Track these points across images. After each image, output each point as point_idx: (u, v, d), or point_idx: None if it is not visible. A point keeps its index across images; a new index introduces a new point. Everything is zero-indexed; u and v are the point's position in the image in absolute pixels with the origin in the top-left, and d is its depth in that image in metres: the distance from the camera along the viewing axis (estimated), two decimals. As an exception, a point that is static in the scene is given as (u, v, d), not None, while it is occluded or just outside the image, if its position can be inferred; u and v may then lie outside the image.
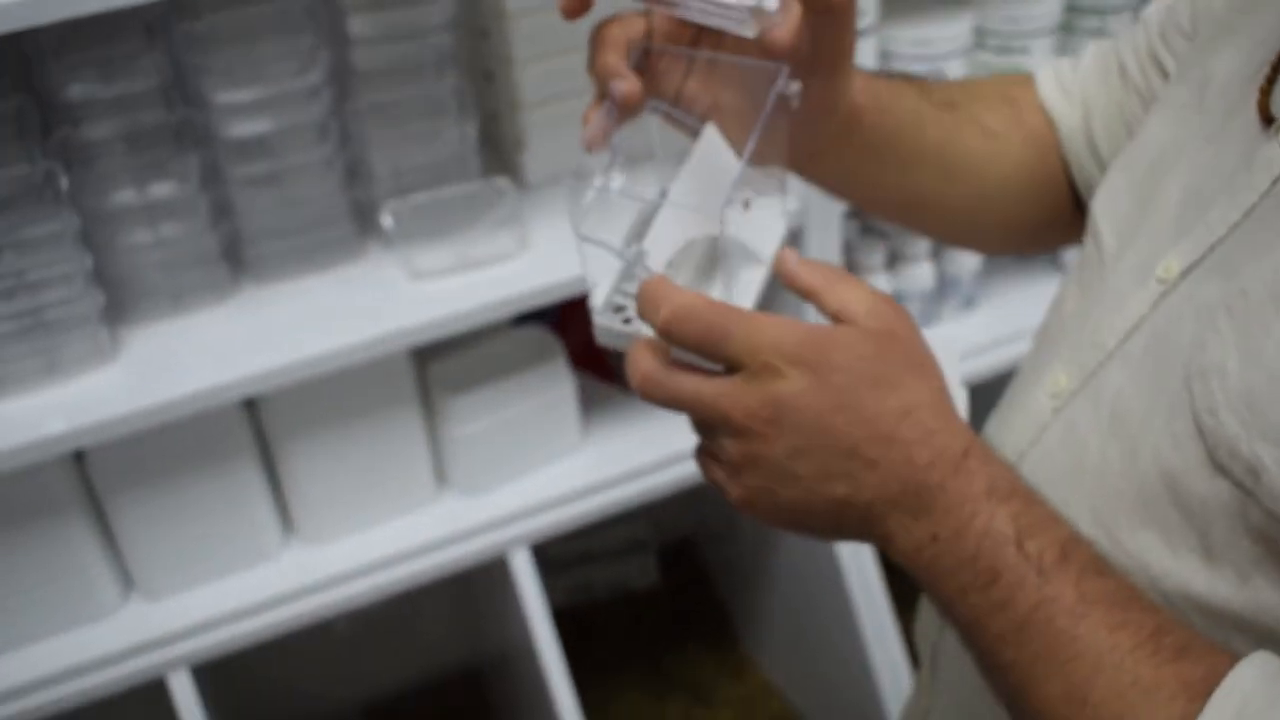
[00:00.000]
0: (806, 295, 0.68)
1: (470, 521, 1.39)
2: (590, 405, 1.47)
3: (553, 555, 1.89)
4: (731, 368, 0.64)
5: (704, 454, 0.69)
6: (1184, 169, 0.74)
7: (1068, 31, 1.53)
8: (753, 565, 1.84)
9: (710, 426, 0.66)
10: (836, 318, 0.67)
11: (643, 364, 0.67)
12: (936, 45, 1.42)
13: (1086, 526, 0.72)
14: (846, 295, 0.67)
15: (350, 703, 1.91)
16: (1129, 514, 0.69)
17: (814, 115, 0.76)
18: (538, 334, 1.42)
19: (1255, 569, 0.62)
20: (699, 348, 0.64)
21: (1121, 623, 0.59)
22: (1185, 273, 0.69)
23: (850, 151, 0.82)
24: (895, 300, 0.68)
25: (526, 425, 1.39)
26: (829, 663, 1.68)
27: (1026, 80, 0.92)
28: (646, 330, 0.67)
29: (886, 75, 0.86)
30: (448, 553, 1.38)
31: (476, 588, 1.67)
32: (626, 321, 0.71)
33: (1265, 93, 0.68)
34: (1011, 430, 0.80)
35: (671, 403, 0.66)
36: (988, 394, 0.91)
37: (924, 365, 0.66)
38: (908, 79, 0.87)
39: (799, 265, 0.72)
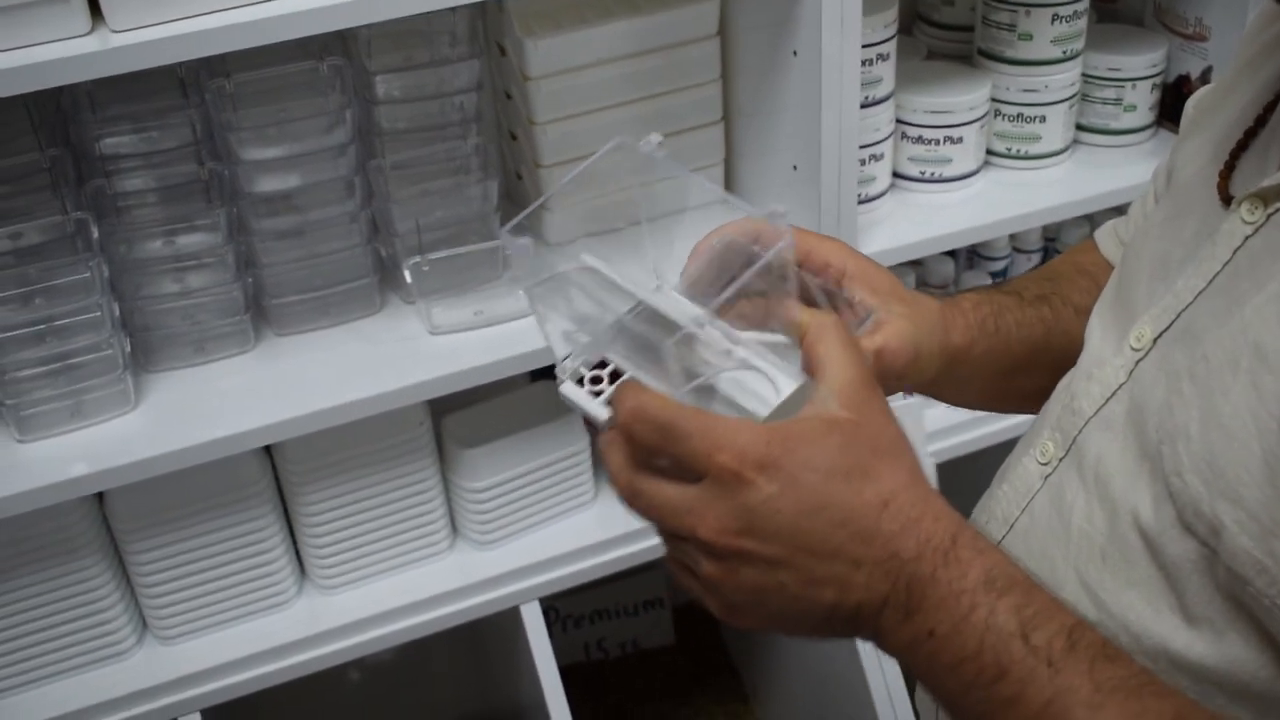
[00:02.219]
0: (802, 325, 0.66)
1: (482, 574, 1.40)
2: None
3: (567, 611, 1.90)
4: (697, 475, 0.61)
5: (677, 567, 0.66)
6: (1152, 245, 0.78)
7: (1086, 101, 1.55)
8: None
9: (679, 540, 0.63)
10: (809, 367, 0.65)
11: (610, 463, 0.64)
12: (954, 114, 1.44)
13: (1072, 589, 0.73)
14: (831, 354, 0.65)
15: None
16: (1113, 575, 0.70)
17: (898, 375, 0.78)
18: (552, 389, 1.43)
19: (1229, 626, 0.64)
20: (658, 450, 0.62)
21: (1139, 712, 0.58)
22: (1156, 339, 0.72)
23: (964, 377, 0.86)
24: (872, 379, 0.66)
25: (540, 480, 1.41)
26: (839, 726, 1.67)
27: (1090, 246, 0.97)
28: (598, 408, 0.65)
29: (988, 295, 0.89)
30: (459, 605, 1.39)
31: (488, 640, 1.68)
32: (597, 393, 0.67)
33: (1225, 176, 0.72)
34: (1003, 498, 0.82)
35: (636, 510, 0.64)
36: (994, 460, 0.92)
37: (896, 447, 0.64)
38: (1004, 290, 0.91)
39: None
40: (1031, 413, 0.91)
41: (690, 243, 0.74)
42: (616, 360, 0.68)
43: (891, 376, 0.77)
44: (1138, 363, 0.73)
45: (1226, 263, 0.68)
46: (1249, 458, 0.60)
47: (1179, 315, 0.70)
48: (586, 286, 0.72)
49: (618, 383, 0.66)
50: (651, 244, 0.75)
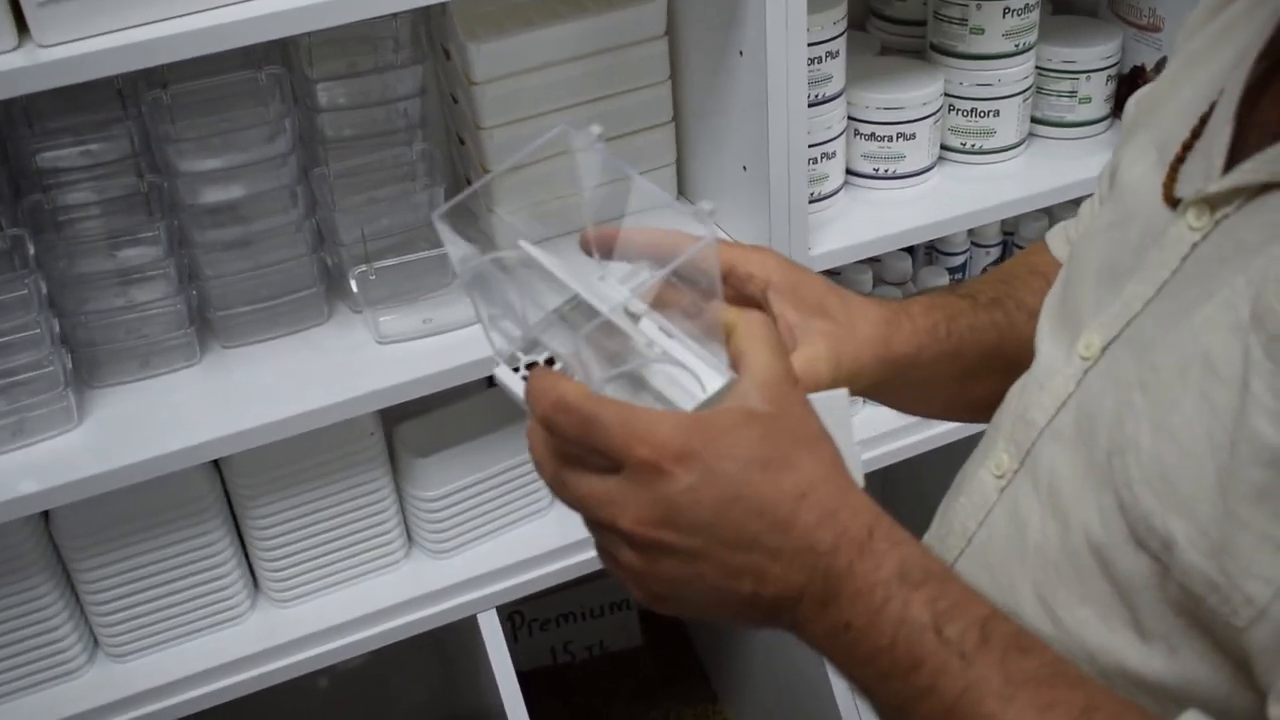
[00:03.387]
0: (727, 324, 0.66)
1: (438, 584, 1.39)
2: (561, 467, 1.47)
3: (532, 615, 1.90)
4: (617, 465, 0.61)
5: (605, 555, 0.66)
6: (1098, 251, 0.76)
7: (1040, 93, 1.54)
8: (731, 628, 1.84)
9: (603, 529, 0.64)
10: (733, 361, 0.65)
11: (536, 453, 0.65)
12: (907, 110, 1.43)
13: (1029, 604, 0.72)
14: (753, 348, 0.65)
15: (329, 762, 1.90)
16: (1067, 590, 0.69)
17: (840, 386, 0.77)
18: (504, 396, 1.42)
19: (1183, 642, 0.63)
20: (578, 441, 0.62)
21: (1051, 702, 0.58)
22: (1105, 349, 0.71)
23: (915, 384, 0.85)
24: (793, 374, 0.66)
25: (495, 487, 1.40)
26: (805, 726, 1.67)
27: (1042, 246, 0.96)
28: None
29: (941, 300, 0.88)
30: (415, 615, 1.38)
31: (450, 648, 1.67)
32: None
33: (1170, 178, 0.71)
34: (961, 511, 0.81)
35: (561, 499, 0.65)
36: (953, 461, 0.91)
37: (815, 438, 0.64)
38: (958, 294, 0.89)
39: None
40: (973, 422, 0.91)
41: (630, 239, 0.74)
42: (552, 348, 0.68)
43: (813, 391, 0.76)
44: (1086, 372, 0.72)
45: (1175, 270, 0.67)
46: (1199, 471, 0.59)
47: (1128, 324, 0.69)
48: (524, 275, 0.71)
49: (535, 370, 0.66)
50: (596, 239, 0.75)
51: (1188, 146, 0.71)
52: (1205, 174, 0.67)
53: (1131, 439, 0.64)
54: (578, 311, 0.69)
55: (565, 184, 0.74)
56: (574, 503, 0.64)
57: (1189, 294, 0.64)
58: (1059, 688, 0.59)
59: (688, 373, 0.66)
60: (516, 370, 0.69)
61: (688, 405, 0.65)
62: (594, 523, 0.64)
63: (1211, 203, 0.65)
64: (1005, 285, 0.93)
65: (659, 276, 0.67)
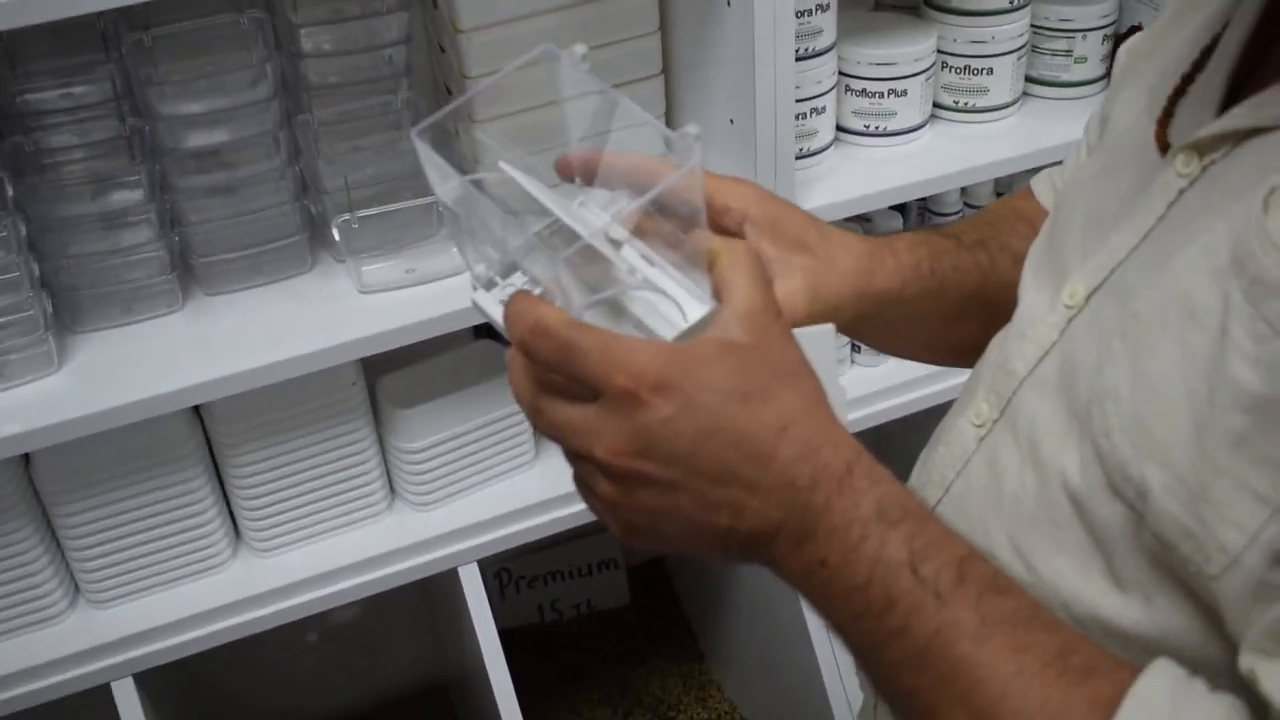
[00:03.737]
0: (711, 252, 0.65)
1: (420, 535, 1.39)
2: (545, 421, 1.46)
3: (520, 572, 1.90)
4: (595, 393, 0.61)
5: (582, 486, 0.65)
6: (1085, 199, 0.75)
7: (1035, 52, 1.53)
8: (718, 587, 1.84)
9: (580, 459, 0.63)
10: (715, 291, 0.64)
11: (514, 381, 0.64)
12: (898, 66, 1.41)
13: (1005, 553, 0.71)
14: (737, 279, 0.64)
15: (317, 718, 1.91)
16: (1043, 539, 0.69)
17: (818, 321, 0.75)
18: (490, 347, 1.42)
19: (1157, 591, 0.62)
20: (557, 368, 0.61)
21: (1026, 645, 0.57)
22: (1089, 297, 0.70)
23: (896, 321, 0.83)
24: (776, 305, 0.65)
25: (479, 440, 1.39)
26: (787, 688, 1.67)
27: (1028, 192, 0.94)
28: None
29: (925, 237, 0.86)
30: (396, 566, 1.38)
31: (436, 603, 1.67)
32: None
33: (1162, 124, 0.69)
34: (940, 460, 0.80)
35: (539, 428, 0.64)
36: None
37: (797, 372, 0.63)
38: (943, 233, 0.88)
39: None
40: (954, 366, 0.90)
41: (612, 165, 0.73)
42: (532, 273, 0.67)
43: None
44: (1070, 320, 0.70)
45: (1161, 217, 0.66)
46: (1177, 418, 0.58)
47: (1113, 271, 0.68)
48: (504, 198, 0.70)
49: (514, 294, 0.64)
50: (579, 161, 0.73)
51: (1180, 91, 0.70)
52: (1198, 118, 0.66)
53: (1111, 387, 0.63)
54: (558, 236, 0.68)
55: (548, 104, 0.73)
56: (551, 431, 0.63)
57: (1173, 241, 0.63)
58: (1035, 630, 0.58)
59: (669, 301, 0.65)
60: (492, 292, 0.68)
61: (668, 334, 0.64)
62: (571, 452, 0.63)
63: (1200, 149, 0.64)
64: (990, 228, 0.91)
65: (641, 202, 0.66)
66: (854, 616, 0.60)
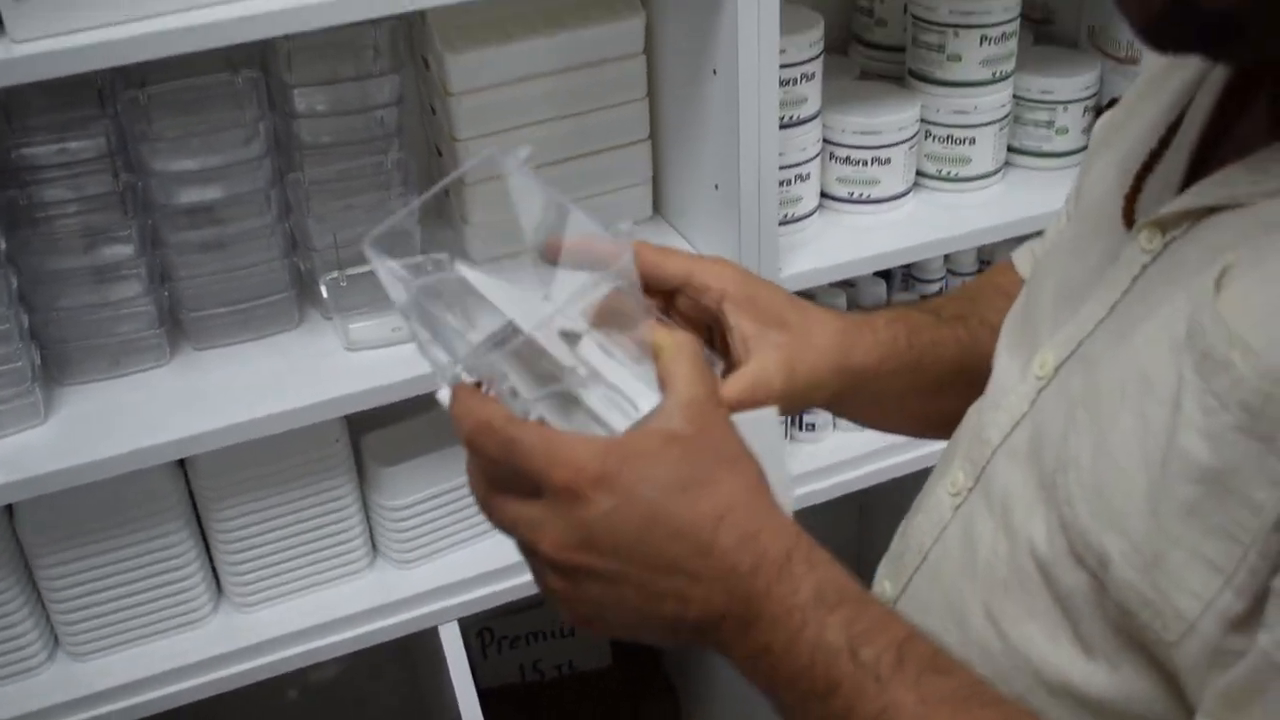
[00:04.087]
0: (655, 345, 0.67)
1: (401, 593, 1.39)
2: (529, 480, 1.47)
3: (502, 632, 1.89)
4: (538, 489, 0.62)
5: (535, 575, 0.67)
6: (1058, 270, 0.77)
7: (1018, 123, 1.55)
8: (700, 650, 1.83)
9: (529, 553, 0.65)
10: (660, 381, 0.66)
11: (469, 477, 0.66)
12: (882, 135, 1.44)
13: (978, 620, 0.73)
14: (679, 370, 0.66)
15: (296, 773, 1.90)
16: (1014, 605, 0.70)
17: (797, 397, 0.78)
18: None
19: (1121, 658, 0.63)
20: (500, 464, 0.63)
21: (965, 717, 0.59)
22: (1058, 367, 0.71)
23: (875, 396, 0.85)
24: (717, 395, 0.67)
25: (461, 498, 1.40)
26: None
27: (1008, 265, 0.97)
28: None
29: (903, 313, 0.89)
30: (377, 624, 1.38)
31: (417, 661, 1.67)
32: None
33: (1130, 198, 0.72)
34: (918, 528, 0.82)
35: (493, 524, 0.65)
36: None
37: (735, 458, 0.65)
38: (922, 309, 0.90)
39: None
40: (936, 439, 0.91)
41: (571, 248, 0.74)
42: (486, 373, 0.68)
43: (763, 404, 0.76)
44: (1040, 390, 0.72)
45: (1126, 291, 0.68)
46: (1134, 488, 0.60)
47: (1081, 343, 0.70)
48: (462, 296, 0.72)
49: (457, 390, 0.66)
50: (533, 264, 0.75)
51: (1148, 167, 0.72)
52: (1161, 195, 0.68)
53: (1074, 456, 0.65)
54: (515, 333, 0.69)
55: (500, 202, 0.74)
56: (501, 526, 0.65)
57: (1135, 315, 0.65)
58: (973, 707, 0.60)
59: (619, 394, 0.67)
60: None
61: (621, 425, 0.65)
62: (520, 546, 0.65)
63: (1161, 225, 0.66)
64: (970, 302, 0.93)
65: (593, 298, 0.68)
66: (802, 699, 0.62)
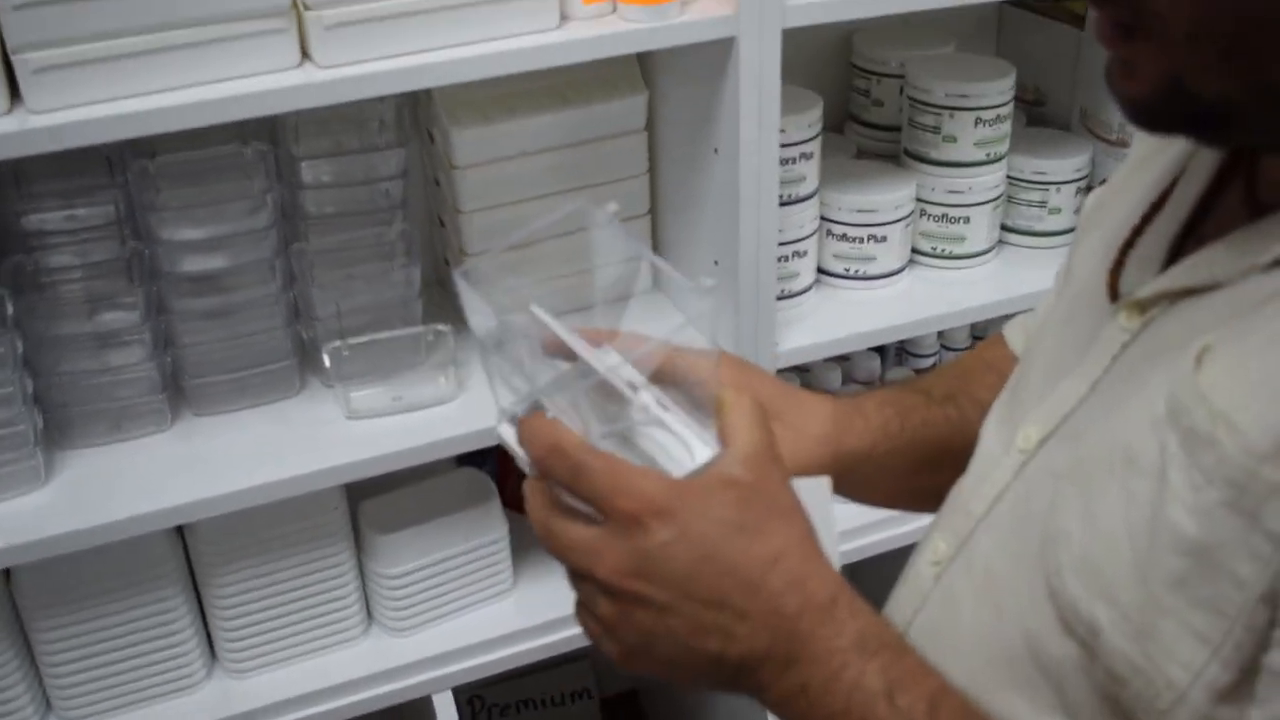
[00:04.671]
0: (719, 400, 0.70)
1: (395, 661, 1.39)
2: (523, 549, 1.47)
3: (493, 700, 1.89)
4: (602, 516, 0.65)
5: (582, 610, 0.69)
6: (1045, 346, 0.79)
7: (1012, 202, 1.58)
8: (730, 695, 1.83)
9: (582, 580, 0.67)
10: (721, 435, 0.69)
11: (530, 504, 0.68)
12: (878, 213, 1.46)
13: (960, 689, 0.73)
14: (741, 424, 0.68)
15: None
16: (996, 676, 0.71)
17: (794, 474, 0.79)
18: (472, 475, 1.44)
19: None
20: (568, 486, 0.65)
21: None
22: (1042, 442, 0.73)
23: (866, 477, 0.88)
24: (776, 451, 0.69)
25: (457, 567, 1.40)
26: (760, 822, 1.66)
27: (999, 340, 0.99)
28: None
29: (895, 395, 0.91)
30: (370, 692, 1.38)
31: (407, 728, 1.66)
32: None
33: (1114, 273, 0.74)
34: (900, 600, 0.83)
35: (549, 549, 0.68)
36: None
37: (790, 512, 0.68)
38: (913, 389, 0.93)
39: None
40: (929, 512, 0.92)
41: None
42: (554, 410, 0.71)
43: None
44: (1024, 464, 0.74)
45: (1107, 369, 0.70)
46: (1121, 559, 0.61)
47: (1064, 419, 0.72)
48: (533, 338, 0.74)
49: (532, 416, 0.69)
50: (601, 316, 0.79)
51: (1130, 243, 0.74)
52: (1142, 275, 0.70)
53: (1063, 529, 0.66)
54: (580, 374, 0.73)
55: (579, 257, 0.77)
56: (559, 551, 0.67)
57: (1118, 392, 0.67)
58: None
59: (679, 441, 0.70)
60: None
61: (677, 473, 0.68)
62: (575, 572, 0.67)
63: (1141, 305, 0.68)
64: (960, 381, 0.95)
65: (656, 353, 0.71)
66: None
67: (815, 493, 0.72)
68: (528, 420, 0.68)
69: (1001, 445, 0.78)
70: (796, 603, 0.64)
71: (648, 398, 0.71)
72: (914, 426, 0.90)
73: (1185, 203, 0.71)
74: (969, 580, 0.76)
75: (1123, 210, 0.78)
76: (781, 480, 0.69)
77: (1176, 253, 0.69)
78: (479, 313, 0.72)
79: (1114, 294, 0.73)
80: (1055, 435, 0.72)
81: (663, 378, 0.73)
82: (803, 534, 0.67)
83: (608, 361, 0.72)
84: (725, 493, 0.66)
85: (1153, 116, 0.62)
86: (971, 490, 0.78)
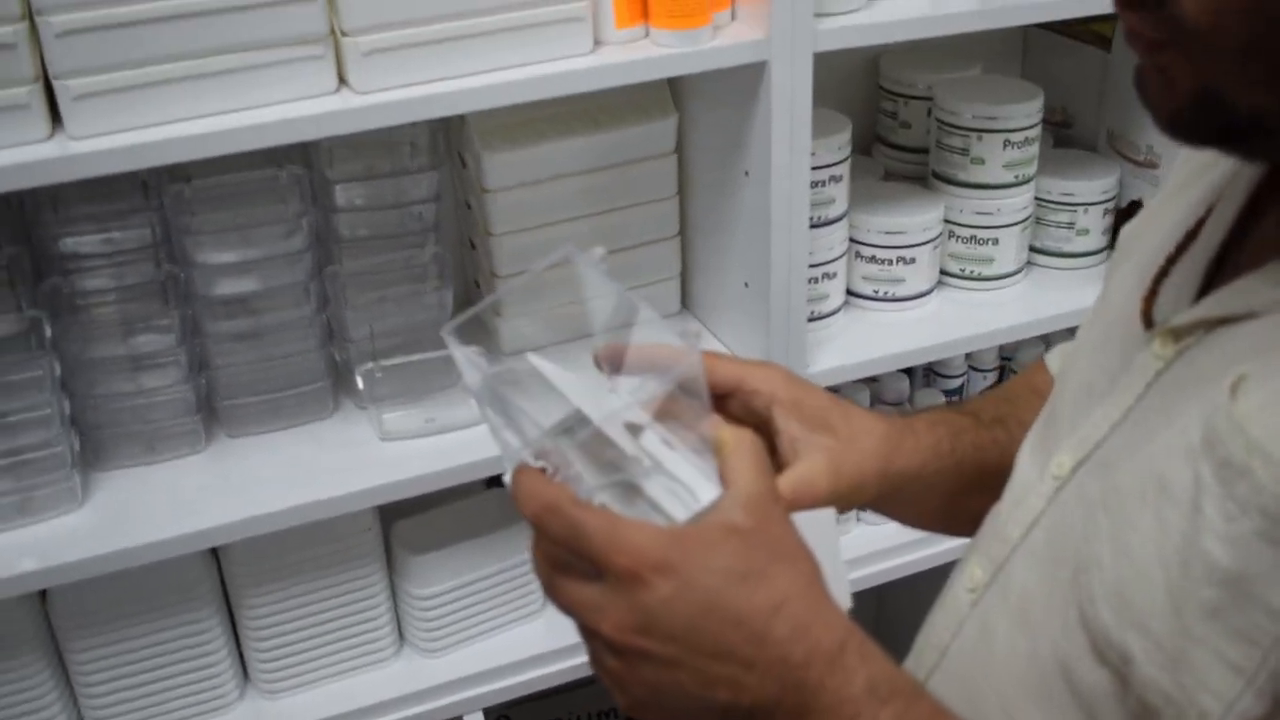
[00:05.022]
0: (717, 440, 0.68)
1: (427, 682, 1.39)
2: (554, 570, 1.48)
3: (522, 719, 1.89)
4: (599, 572, 0.64)
5: (591, 657, 0.68)
6: (1079, 372, 0.79)
7: (1040, 224, 1.58)
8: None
9: (589, 635, 0.66)
10: (721, 477, 0.68)
11: (533, 561, 0.67)
12: (907, 235, 1.46)
13: (994, 717, 0.74)
14: (741, 465, 0.67)
15: None
16: (1030, 702, 0.71)
17: (820, 503, 0.79)
18: (503, 496, 1.44)
19: None
20: (565, 545, 0.64)
21: None
22: (1075, 469, 0.73)
23: (915, 496, 0.87)
24: (777, 492, 0.69)
25: (489, 588, 1.41)
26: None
27: (1042, 366, 0.99)
28: None
29: (944, 416, 0.91)
30: (403, 712, 1.38)
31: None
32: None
33: (1148, 300, 0.73)
34: (936, 625, 0.83)
35: (554, 604, 0.67)
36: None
37: (794, 554, 0.66)
38: (961, 411, 0.92)
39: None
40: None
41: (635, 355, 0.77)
42: (554, 459, 0.70)
43: (810, 505, 0.78)
44: (1058, 491, 0.74)
45: (1140, 396, 0.70)
46: (1155, 589, 0.61)
47: (1098, 446, 0.72)
48: (532, 384, 0.74)
49: (520, 471, 0.67)
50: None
51: (1164, 271, 0.74)
52: (1176, 303, 0.70)
53: (1095, 557, 0.66)
54: (579, 425, 0.71)
55: (571, 297, 0.77)
56: (563, 607, 0.66)
57: (1151, 421, 0.67)
58: None
59: (682, 485, 0.68)
60: None
61: (682, 515, 0.67)
62: (581, 628, 0.66)
63: (1175, 333, 0.68)
64: (1008, 404, 0.95)
65: (658, 393, 0.70)
66: None
67: (819, 525, 0.71)
68: (520, 477, 0.66)
69: (1036, 471, 0.78)
70: (803, 651, 0.63)
71: (651, 440, 0.69)
72: (964, 448, 0.89)
73: (1220, 230, 0.71)
74: (1004, 606, 0.76)
75: (1157, 237, 0.78)
76: (783, 521, 0.67)
77: (1211, 280, 0.70)
78: (470, 367, 0.72)
79: (1148, 321, 0.73)
80: (1088, 462, 0.72)
81: (670, 410, 0.71)
82: (807, 576, 0.66)
83: (611, 405, 0.71)
84: (726, 541, 0.64)
85: (1185, 127, 0.61)
86: (1007, 516, 0.78)
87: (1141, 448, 0.66)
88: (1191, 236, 0.74)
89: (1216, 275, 0.70)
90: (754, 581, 0.63)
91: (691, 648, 0.63)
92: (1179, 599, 0.60)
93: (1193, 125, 0.61)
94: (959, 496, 0.90)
